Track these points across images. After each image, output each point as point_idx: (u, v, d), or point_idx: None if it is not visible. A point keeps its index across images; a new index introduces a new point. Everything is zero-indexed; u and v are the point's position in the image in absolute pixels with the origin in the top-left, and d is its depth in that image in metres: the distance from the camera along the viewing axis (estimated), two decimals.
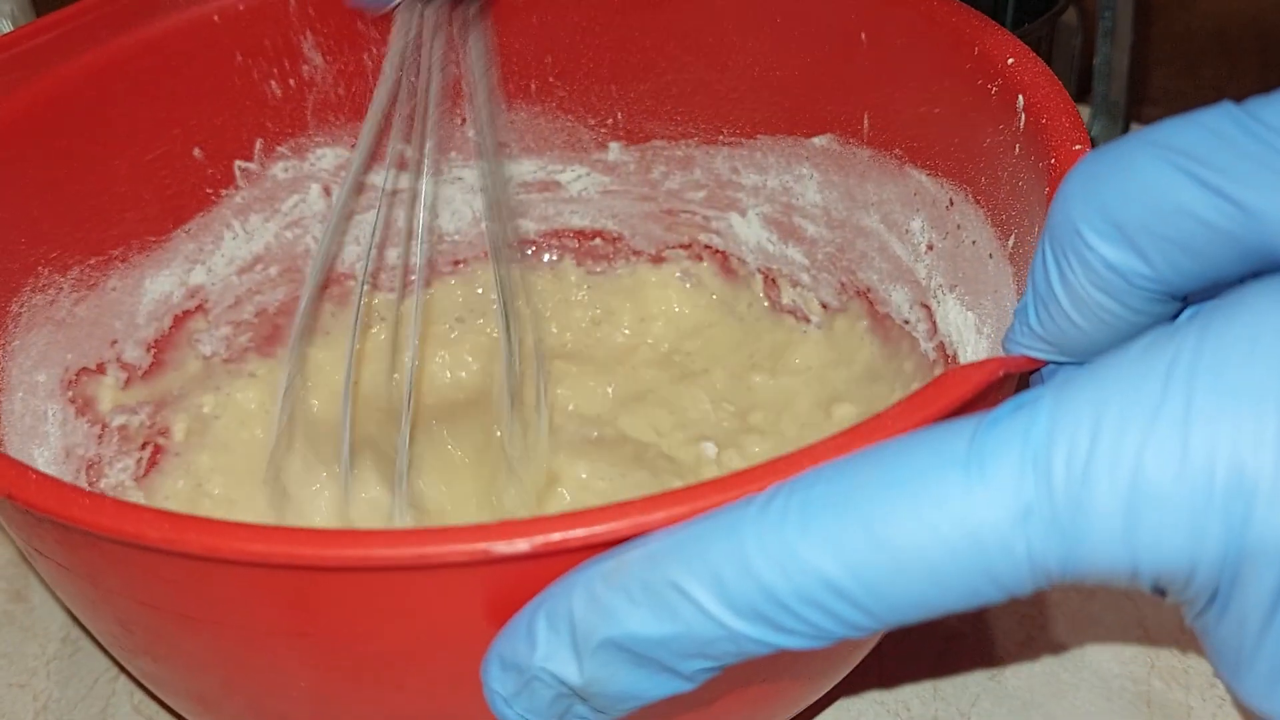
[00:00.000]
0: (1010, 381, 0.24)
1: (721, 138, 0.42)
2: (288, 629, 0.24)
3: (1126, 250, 0.22)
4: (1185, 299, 0.23)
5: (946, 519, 0.19)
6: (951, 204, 0.35)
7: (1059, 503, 0.19)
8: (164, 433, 0.40)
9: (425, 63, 0.37)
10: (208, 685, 0.28)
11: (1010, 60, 0.32)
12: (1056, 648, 0.37)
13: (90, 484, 0.37)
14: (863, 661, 0.32)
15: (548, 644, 0.22)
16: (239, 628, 0.25)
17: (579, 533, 0.20)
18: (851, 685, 0.36)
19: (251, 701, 0.27)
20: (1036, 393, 0.20)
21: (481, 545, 0.20)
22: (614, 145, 0.43)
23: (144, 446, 0.40)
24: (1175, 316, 0.24)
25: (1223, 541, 0.18)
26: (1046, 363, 0.25)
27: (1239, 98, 0.21)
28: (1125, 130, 0.54)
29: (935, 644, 0.37)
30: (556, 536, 0.20)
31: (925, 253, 0.36)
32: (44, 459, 0.34)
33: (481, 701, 0.23)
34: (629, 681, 0.22)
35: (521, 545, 0.20)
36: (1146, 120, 0.54)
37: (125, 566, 0.24)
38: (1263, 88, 0.22)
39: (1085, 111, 0.53)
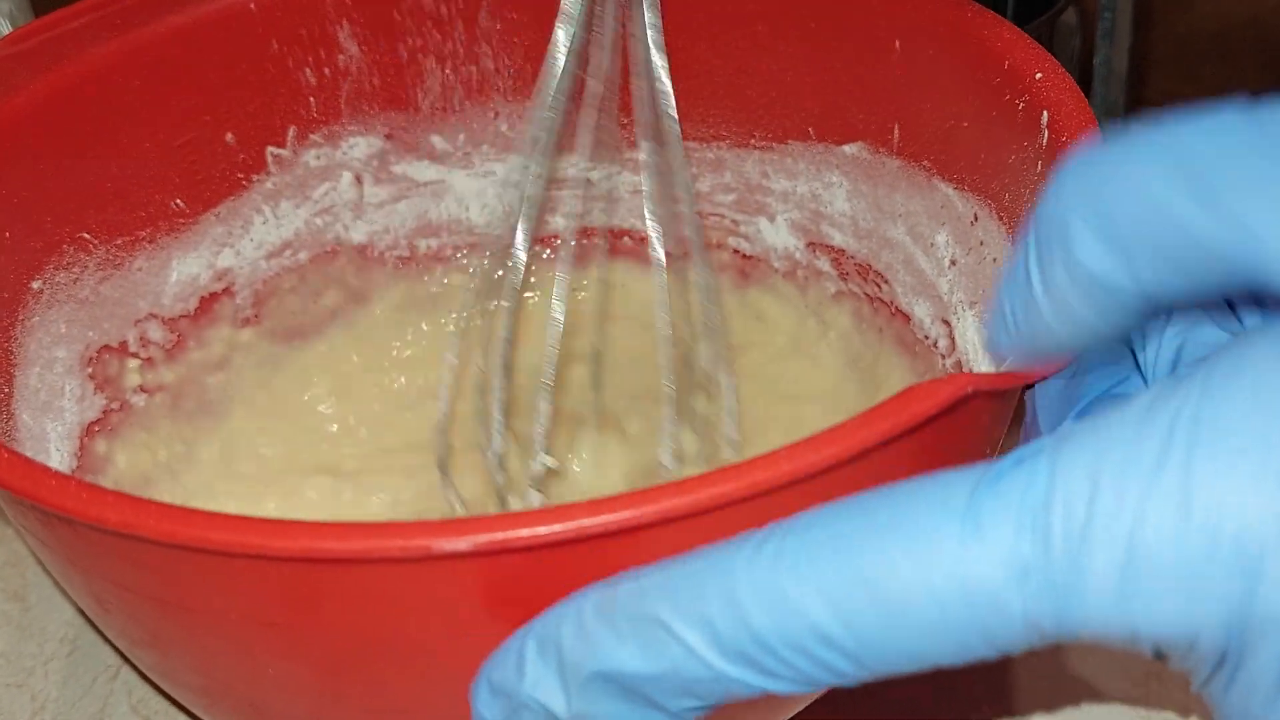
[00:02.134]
0: (984, 400, 0.24)
1: (753, 141, 0.41)
2: (256, 617, 0.24)
3: (1112, 249, 0.20)
4: (1169, 315, 0.22)
5: (941, 573, 0.19)
6: (976, 219, 0.34)
7: (1056, 563, 0.18)
8: (184, 412, 0.41)
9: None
10: (181, 664, 0.28)
11: (1039, 75, 0.31)
12: (1057, 652, 0.37)
13: None
14: None
15: (536, 672, 0.22)
16: (208, 613, 0.25)
17: (521, 533, 0.20)
18: (850, 688, 0.35)
19: (225, 686, 0.28)
20: (1038, 445, 0.20)
21: (421, 542, 0.20)
22: (645, 145, 0.43)
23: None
24: (1160, 335, 0.23)
25: (1227, 608, 0.18)
26: (1020, 378, 0.24)
27: (1239, 99, 0.20)
28: None
29: None
30: (499, 536, 0.20)
31: (948, 267, 0.36)
32: (57, 434, 0.35)
33: (450, 696, 0.23)
34: (616, 716, 0.22)
35: (462, 544, 0.20)
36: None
37: (97, 549, 0.25)
38: (1263, 89, 0.21)
39: None
